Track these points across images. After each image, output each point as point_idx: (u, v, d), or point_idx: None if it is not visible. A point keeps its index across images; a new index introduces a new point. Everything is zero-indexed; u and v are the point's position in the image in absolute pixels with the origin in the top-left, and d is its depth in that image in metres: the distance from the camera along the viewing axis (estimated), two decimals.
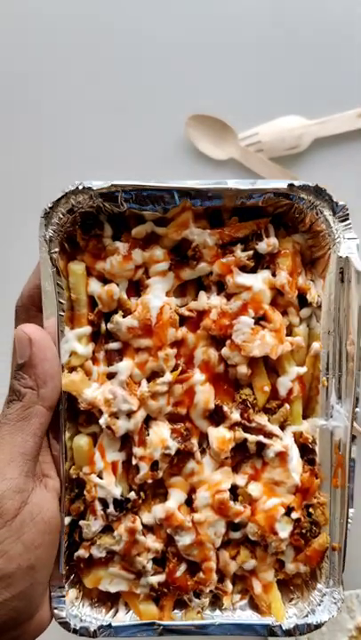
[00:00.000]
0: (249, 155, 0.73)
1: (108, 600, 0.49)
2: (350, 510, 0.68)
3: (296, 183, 0.45)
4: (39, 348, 0.44)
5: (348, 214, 0.46)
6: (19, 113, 0.73)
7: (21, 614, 0.43)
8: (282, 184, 0.45)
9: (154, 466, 0.46)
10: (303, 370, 0.47)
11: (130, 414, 0.46)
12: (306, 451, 0.48)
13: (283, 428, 0.47)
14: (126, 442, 0.47)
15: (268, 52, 0.73)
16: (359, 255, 0.46)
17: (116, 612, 0.49)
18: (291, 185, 0.45)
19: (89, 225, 0.47)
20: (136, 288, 0.47)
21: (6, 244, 0.72)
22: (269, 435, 0.46)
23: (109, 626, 0.47)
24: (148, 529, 0.48)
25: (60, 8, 0.73)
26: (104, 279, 0.47)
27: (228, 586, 0.48)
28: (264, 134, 0.73)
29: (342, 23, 0.74)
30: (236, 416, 0.46)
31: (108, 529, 0.48)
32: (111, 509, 0.47)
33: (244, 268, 0.46)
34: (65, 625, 0.47)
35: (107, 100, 0.73)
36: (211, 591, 0.48)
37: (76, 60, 0.73)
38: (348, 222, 0.46)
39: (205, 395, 0.46)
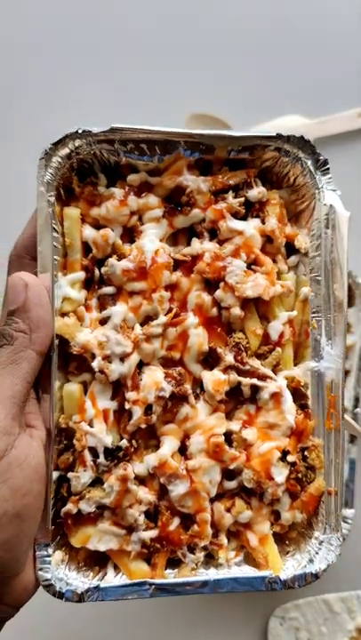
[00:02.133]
0: None
1: (96, 564, 0.46)
2: (350, 511, 0.69)
3: (283, 133, 0.47)
4: (34, 294, 0.43)
5: (328, 168, 0.49)
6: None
7: (6, 567, 0.40)
8: (269, 132, 0.47)
9: (147, 410, 0.45)
10: (293, 313, 0.48)
11: (123, 358, 0.45)
12: (298, 395, 0.48)
13: (275, 372, 0.47)
14: (118, 390, 0.46)
15: (268, 52, 0.74)
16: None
17: (105, 575, 0.46)
18: (279, 134, 0.47)
19: (84, 175, 0.47)
20: (130, 236, 0.48)
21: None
22: (263, 377, 0.46)
23: (97, 588, 0.44)
24: (140, 481, 0.46)
25: (59, 8, 0.74)
26: (98, 227, 0.47)
27: (224, 540, 0.46)
28: None
29: (342, 23, 0.75)
30: (229, 359, 0.46)
31: (97, 482, 0.46)
32: (102, 459, 0.45)
33: (235, 215, 0.48)
34: (49, 588, 0.44)
35: (107, 100, 0.73)
36: (205, 547, 0.46)
37: (75, 59, 0.74)
38: (329, 176, 0.49)
39: (199, 338, 0.46)
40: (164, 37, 0.74)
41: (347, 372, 0.71)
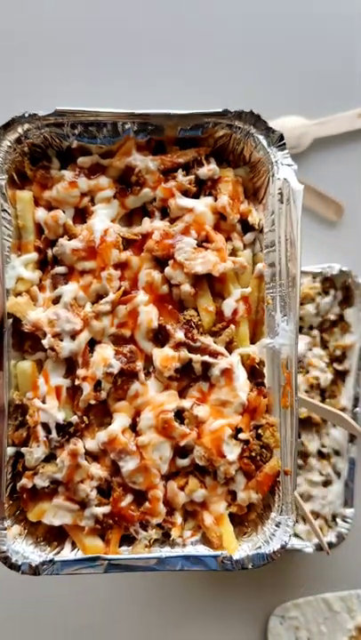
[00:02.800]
0: None
1: (54, 539, 0.47)
2: (350, 510, 0.69)
3: (232, 109, 0.47)
4: None
5: (284, 142, 0.48)
6: None
7: None
8: (216, 109, 0.47)
9: (97, 386, 0.46)
10: (248, 290, 0.47)
11: (73, 335, 0.46)
12: (255, 374, 0.47)
13: (230, 350, 0.47)
14: (71, 368, 0.47)
15: (268, 53, 0.75)
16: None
17: (62, 550, 0.47)
18: (226, 110, 0.47)
19: (37, 159, 0.49)
20: (82, 217, 0.49)
21: None
22: (214, 354, 0.46)
23: (52, 561, 0.45)
24: (92, 457, 0.46)
25: (59, 8, 0.74)
26: (51, 209, 0.48)
27: (178, 518, 0.46)
28: None
29: (342, 24, 0.75)
30: (180, 335, 0.46)
31: (52, 458, 0.47)
32: (54, 434, 0.46)
33: (186, 194, 0.48)
34: (5, 560, 0.45)
35: (107, 100, 0.70)
36: (159, 525, 0.46)
37: (75, 60, 0.74)
38: (286, 152, 0.48)
39: (149, 315, 0.46)
40: (162, 38, 0.74)
41: (346, 372, 0.71)
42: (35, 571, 0.45)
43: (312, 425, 0.71)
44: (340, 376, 0.73)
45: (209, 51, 0.74)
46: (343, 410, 0.70)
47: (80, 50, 0.74)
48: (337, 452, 0.72)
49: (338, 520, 0.71)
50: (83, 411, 0.46)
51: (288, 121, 0.74)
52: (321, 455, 0.73)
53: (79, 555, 0.46)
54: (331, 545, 0.69)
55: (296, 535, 0.69)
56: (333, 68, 0.75)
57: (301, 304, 0.70)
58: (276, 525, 0.45)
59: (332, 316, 0.72)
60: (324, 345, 0.73)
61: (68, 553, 0.46)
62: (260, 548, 0.45)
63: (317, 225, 0.78)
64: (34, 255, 0.47)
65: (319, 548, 0.68)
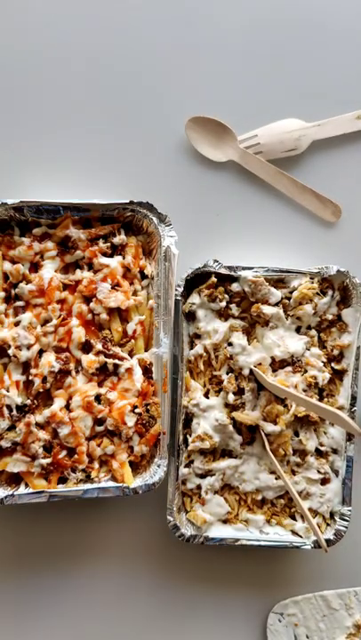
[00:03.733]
0: (248, 157, 0.75)
1: (13, 482, 0.71)
2: (347, 508, 0.72)
3: (135, 200, 0.72)
4: None
5: (170, 221, 0.72)
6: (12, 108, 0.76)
7: None
8: (125, 200, 0.72)
9: (44, 380, 0.70)
10: (142, 317, 0.72)
11: (29, 347, 0.70)
12: (146, 371, 0.73)
13: (131, 356, 0.72)
14: (26, 368, 0.71)
15: (267, 55, 0.75)
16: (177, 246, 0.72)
17: (18, 488, 0.70)
18: (131, 201, 0.72)
19: (3, 227, 0.72)
20: (35, 268, 0.72)
21: None
22: (121, 358, 0.71)
23: (12, 495, 0.69)
24: (40, 427, 0.70)
25: (59, 8, 0.76)
26: (14, 262, 0.72)
27: (95, 465, 0.71)
28: (263, 136, 0.74)
29: (341, 26, 0.76)
30: (99, 346, 0.71)
31: (12, 428, 0.70)
32: (15, 412, 0.69)
33: (105, 254, 0.73)
34: None
35: (106, 101, 0.76)
36: (84, 470, 0.71)
37: (74, 60, 0.76)
38: (170, 227, 0.72)
39: (79, 333, 0.71)
40: (163, 39, 0.75)
41: (344, 371, 0.73)
42: (1, 502, 0.68)
43: (310, 423, 0.73)
44: (338, 375, 0.74)
45: (208, 53, 0.75)
46: (341, 409, 0.72)
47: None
48: (335, 451, 0.73)
49: (336, 518, 0.72)
50: (34, 396, 0.70)
51: (286, 123, 0.74)
52: (319, 453, 0.74)
53: (30, 490, 0.70)
54: (329, 542, 0.70)
55: (294, 532, 0.73)
56: (332, 70, 0.75)
57: (300, 304, 0.73)
58: (157, 466, 0.71)
59: (330, 316, 0.73)
60: (322, 345, 0.74)
61: (22, 489, 0.70)
62: (146, 480, 0.71)
63: (315, 226, 0.79)
64: (1, 294, 0.71)
65: (317, 545, 0.71)
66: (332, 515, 0.73)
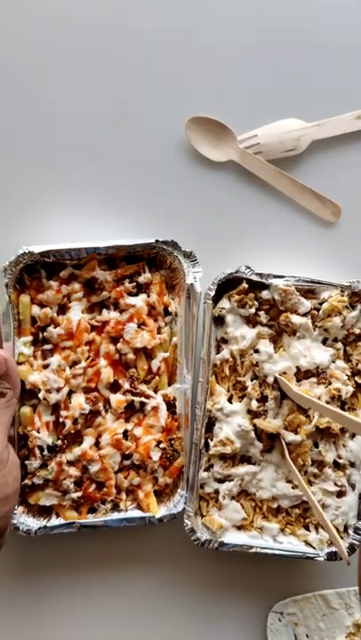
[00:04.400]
0: (248, 157, 0.75)
1: (45, 512, 0.74)
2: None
3: (160, 239, 0.72)
4: (10, 365, 0.66)
5: (195, 257, 0.73)
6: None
7: (7, 524, 0.65)
8: (150, 240, 0.72)
9: (75, 422, 0.72)
10: (167, 354, 0.75)
11: (58, 389, 0.71)
12: (170, 406, 0.76)
13: (156, 392, 0.75)
14: (55, 409, 0.72)
15: (267, 55, 0.75)
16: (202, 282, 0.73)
17: (50, 519, 0.74)
18: (157, 240, 0.72)
19: (31, 270, 0.71)
20: (62, 309, 0.73)
21: None
22: (148, 397, 0.74)
23: (45, 527, 0.72)
24: (70, 463, 0.73)
25: (58, 8, 0.75)
26: (42, 304, 0.72)
27: (123, 496, 0.75)
28: (263, 136, 0.75)
29: (341, 26, 0.76)
30: (126, 386, 0.73)
31: (44, 466, 0.72)
32: (46, 452, 0.72)
33: (130, 294, 0.74)
34: (16, 529, 0.71)
35: (105, 105, 0.76)
36: (112, 500, 0.75)
37: (74, 61, 0.76)
38: (195, 261, 0.74)
39: (108, 374, 0.73)
40: (162, 39, 0.75)
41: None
42: (35, 532, 0.72)
43: (331, 435, 0.74)
44: None
45: (208, 52, 0.75)
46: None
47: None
48: (353, 464, 0.73)
49: (350, 532, 0.73)
50: (64, 436, 0.72)
51: (286, 123, 0.75)
52: (337, 466, 0.74)
53: (61, 521, 0.73)
54: (340, 555, 0.69)
55: (307, 543, 0.74)
56: (332, 70, 0.75)
57: (328, 316, 0.74)
58: (180, 496, 0.76)
59: (357, 330, 0.74)
60: (347, 358, 0.75)
61: (54, 521, 0.73)
62: (171, 510, 0.75)
63: (315, 226, 0.79)
64: (30, 337, 0.71)
65: (331, 557, 0.72)
66: (346, 528, 0.74)
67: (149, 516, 0.75)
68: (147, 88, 0.76)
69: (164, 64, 0.75)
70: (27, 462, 0.71)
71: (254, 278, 0.74)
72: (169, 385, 0.76)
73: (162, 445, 0.75)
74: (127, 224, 0.78)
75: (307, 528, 0.76)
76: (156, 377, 0.75)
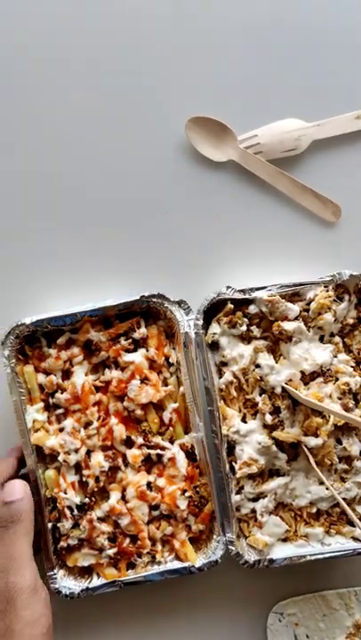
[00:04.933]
0: (248, 157, 0.75)
1: (85, 573, 0.77)
2: None
3: (146, 294, 0.73)
4: (28, 497, 0.69)
5: (188, 306, 0.74)
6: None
7: None
8: (136, 297, 0.73)
9: (97, 479, 0.74)
10: (176, 405, 0.75)
11: (76, 450, 0.74)
12: (190, 454, 0.75)
13: (172, 442, 0.75)
14: (78, 468, 0.76)
15: (267, 55, 0.75)
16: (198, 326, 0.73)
17: (91, 579, 0.76)
18: (142, 296, 0.73)
19: (31, 340, 0.76)
20: (67, 374, 0.76)
21: None
22: (163, 448, 0.74)
23: (87, 588, 0.75)
24: (101, 519, 0.75)
25: (57, 8, 0.76)
26: (46, 372, 0.76)
27: (158, 547, 0.75)
28: (263, 136, 0.75)
29: (341, 26, 0.76)
30: (140, 440, 0.74)
31: (76, 526, 0.75)
32: (76, 512, 0.75)
33: (128, 350, 0.75)
34: (59, 593, 0.74)
35: (105, 105, 0.77)
36: (148, 552, 0.75)
37: (74, 61, 0.76)
38: (188, 309, 0.74)
39: (120, 431, 0.74)
40: (161, 39, 0.75)
41: None
42: (78, 596, 0.74)
43: (351, 429, 0.74)
44: None
45: (208, 52, 0.76)
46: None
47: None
48: None
49: None
50: (90, 494, 0.75)
51: (286, 123, 0.75)
52: None
53: (103, 581, 0.75)
54: None
55: (355, 539, 0.74)
56: (332, 70, 0.75)
57: (319, 314, 0.73)
58: (217, 542, 0.75)
59: (350, 320, 0.74)
60: (347, 350, 0.75)
61: (95, 580, 0.75)
62: (210, 557, 0.74)
63: (315, 226, 0.79)
64: (41, 404, 0.75)
65: None
66: None
67: (189, 566, 0.74)
68: (147, 88, 0.77)
69: (165, 63, 0.76)
70: (59, 525, 0.75)
71: (237, 296, 0.74)
72: (186, 433, 0.76)
73: (187, 494, 0.74)
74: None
75: (351, 524, 0.74)
76: (170, 428, 0.75)
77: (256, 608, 0.78)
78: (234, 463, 0.74)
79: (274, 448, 0.73)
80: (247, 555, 0.74)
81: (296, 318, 0.74)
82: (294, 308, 0.73)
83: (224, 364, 0.75)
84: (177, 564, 0.75)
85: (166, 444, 0.75)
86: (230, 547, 0.73)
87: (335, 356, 0.74)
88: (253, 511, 0.75)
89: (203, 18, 0.76)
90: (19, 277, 0.81)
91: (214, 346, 0.75)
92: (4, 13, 0.78)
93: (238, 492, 0.75)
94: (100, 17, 0.77)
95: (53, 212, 0.80)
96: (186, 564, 0.74)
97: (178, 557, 0.76)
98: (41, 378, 0.75)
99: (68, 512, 0.74)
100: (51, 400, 0.76)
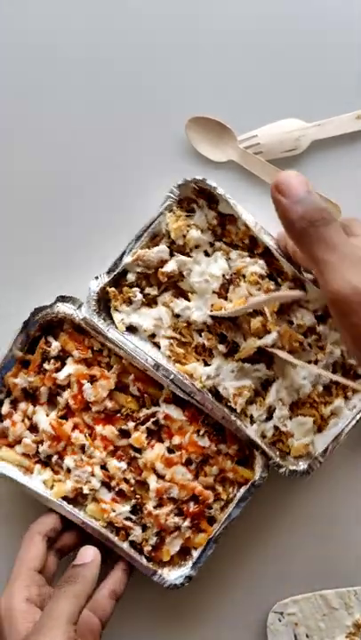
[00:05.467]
0: (248, 157, 0.76)
1: (183, 555, 0.76)
2: None
3: (37, 306, 0.74)
4: (97, 562, 0.66)
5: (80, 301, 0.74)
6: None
7: None
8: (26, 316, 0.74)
9: (126, 480, 0.76)
10: (131, 375, 0.76)
11: (92, 474, 0.75)
12: (177, 402, 0.75)
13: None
14: (107, 485, 0.76)
15: (267, 55, 0.76)
16: None
17: (190, 556, 0.75)
18: (35, 308, 0.74)
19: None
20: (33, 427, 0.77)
21: None
22: (153, 414, 0.76)
23: (194, 563, 0.74)
24: (157, 506, 0.75)
25: (57, 8, 0.76)
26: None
27: (219, 488, 0.76)
28: (263, 136, 0.75)
29: (342, 25, 0.76)
30: (131, 424, 0.75)
31: (144, 528, 0.75)
32: (135, 518, 0.75)
33: (59, 369, 0.76)
34: (175, 587, 0.73)
35: (104, 104, 0.77)
36: (216, 500, 0.75)
37: (74, 62, 0.76)
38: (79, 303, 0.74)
39: (109, 430, 0.76)
40: (160, 39, 0.76)
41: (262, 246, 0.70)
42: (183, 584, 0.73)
43: (289, 307, 0.73)
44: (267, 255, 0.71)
45: (208, 52, 0.76)
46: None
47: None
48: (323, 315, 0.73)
49: None
50: (132, 495, 0.75)
51: (286, 123, 0.76)
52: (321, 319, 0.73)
53: (199, 551, 0.74)
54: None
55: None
56: (332, 70, 0.75)
57: (184, 237, 0.72)
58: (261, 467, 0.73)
59: (214, 221, 0.72)
60: (233, 246, 0.72)
61: (195, 554, 0.74)
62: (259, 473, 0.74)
63: None
64: (37, 467, 0.76)
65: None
66: None
67: (252, 482, 0.74)
68: (147, 88, 0.77)
69: (164, 63, 0.76)
70: (131, 538, 0.75)
71: (109, 278, 0.73)
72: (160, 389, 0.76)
73: (202, 431, 0.75)
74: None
75: (357, 376, 0.75)
76: (145, 395, 0.75)
77: (256, 608, 0.78)
78: (229, 404, 0.73)
79: (246, 365, 0.73)
80: (299, 465, 0.73)
81: (171, 254, 0.73)
82: (161, 248, 0.72)
83: (153, 335, 0.75)
84: (243, 490, 0.74)
85: (151, 409, 0.75)
86: (280, 469, 0.73)
87: (228, 259, 0.73)
88: (276, 428, 0.74)
89: (203, 18, 0.76)
90: None
91: (132, 329, 0.75)
92: (4, 13, 0.78)
93: (252, 423, 0.74)
94: (99, 17, 0.77)
95: (52, 209, 0.80)
96: (248, 485, 0.74)
97: (239, 487, 0.75)
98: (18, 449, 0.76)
99: (129, 523, 0.75)
100: (40, 457, 0.76)
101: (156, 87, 0.77)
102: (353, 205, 0.76)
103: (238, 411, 0.73)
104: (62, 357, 0.76)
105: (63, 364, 0.75)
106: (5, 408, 0.75)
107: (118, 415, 0.75)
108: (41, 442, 0.75)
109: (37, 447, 0.75)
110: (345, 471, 0.80)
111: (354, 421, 0.72)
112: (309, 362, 0.72)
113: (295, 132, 0.75)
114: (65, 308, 0.73)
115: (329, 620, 0.74)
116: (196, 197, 0.71)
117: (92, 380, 0.74)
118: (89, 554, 0.66)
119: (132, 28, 0.77)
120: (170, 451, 0.75)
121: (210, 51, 0.77)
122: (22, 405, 0.75)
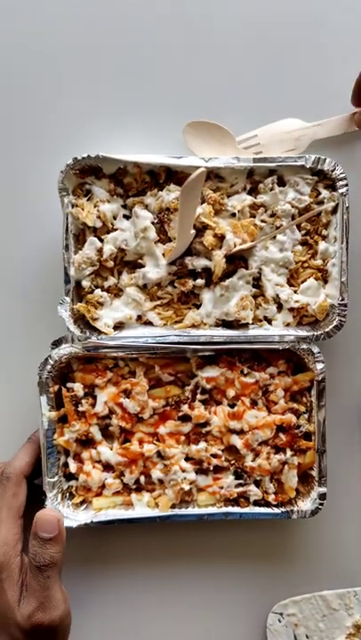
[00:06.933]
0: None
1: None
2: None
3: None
4: (62, 526, 0.67)
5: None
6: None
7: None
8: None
9: (204, 470, 0.76)
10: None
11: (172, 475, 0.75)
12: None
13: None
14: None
15: (267, 55, 0.76)
16: None
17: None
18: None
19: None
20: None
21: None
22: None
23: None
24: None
25: (57, 8, 0.76)
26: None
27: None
28: (263, 137, 0.75)
29: (342, 25, 0.76)
30: (186, 408, 0.76)
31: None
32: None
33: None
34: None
35: (104, 107, 0.77)
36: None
37: (73, 62, 0.76)
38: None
39: (172, 425, 0.76)
40: (159, 41, 0.76)
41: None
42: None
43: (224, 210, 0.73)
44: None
45: (208, 52, 0.76)
46: None
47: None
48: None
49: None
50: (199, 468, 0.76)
51: (286, 123, 0.75)
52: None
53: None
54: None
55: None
56: (332, 70, 0.76)
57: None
58: None
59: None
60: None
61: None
62: None
63: None
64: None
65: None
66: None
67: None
68: (147, 88, 0.77)
69: (164, 65, 0.76)
70: (254, 499, 0.75)
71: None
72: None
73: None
74: None
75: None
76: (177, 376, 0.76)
77: (256, 608, 0.77)
78: (242, 323, 0.73)
79: (229, 280, 0.73)
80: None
81: (101, 240, 0.73)
82: (91, 240, 0.73)
83: (139, 317, 0.75)
84: (314, 391, 0.74)
85: (191, 383, 0.76)
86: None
87: (146, 207, 0.73)
88: (292, 309, 0.74)
89: (203, 18, 0.76)
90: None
91: (119, 326, 0.76)
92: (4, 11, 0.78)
93: (270, 322, 0.74)
94: (99, 17, 0.77)
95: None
96: (315, 384, 0.73)
97: (309, 392, 0.75)
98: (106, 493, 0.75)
99: (241, 488, 0.74)
100: (130, 487, 0.76)
101: (156, 88, 0.77)
102: (353, 205, 0.75)
103: (251, 321, 0.73)
104: (90, 393, 0.75)
105: (94, 398, 0.75)
106: (73, 466, 0.74)
107: (168, 408, 0.75)
108: (122, 474, 0.75)
109: (121, 480, 0.74)
110: (345, 471, 0.80)
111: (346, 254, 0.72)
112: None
113: (295, 131, 0.75)
114: (63, 351, 0.73)
115: (329, 620, 0.73)
116: (82, 179, 0.72)
117: (127, 393, 0.75)
118: (54, 526, 0.66)
119: (131, 29, 0.77)
120: (231, 406, 0.74)
121: (209, 51, 0.77)
122: (85, 455, 0.75)
